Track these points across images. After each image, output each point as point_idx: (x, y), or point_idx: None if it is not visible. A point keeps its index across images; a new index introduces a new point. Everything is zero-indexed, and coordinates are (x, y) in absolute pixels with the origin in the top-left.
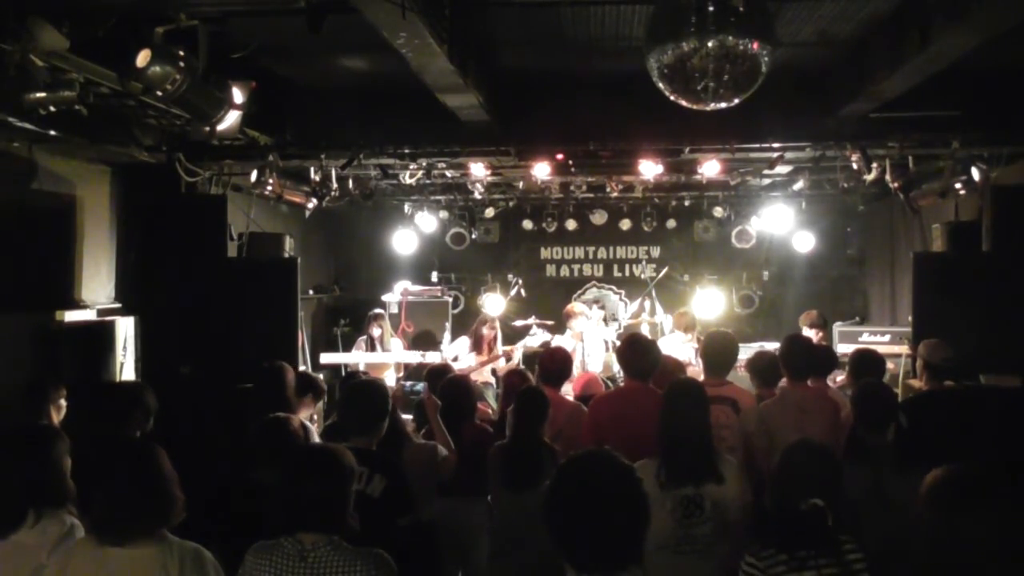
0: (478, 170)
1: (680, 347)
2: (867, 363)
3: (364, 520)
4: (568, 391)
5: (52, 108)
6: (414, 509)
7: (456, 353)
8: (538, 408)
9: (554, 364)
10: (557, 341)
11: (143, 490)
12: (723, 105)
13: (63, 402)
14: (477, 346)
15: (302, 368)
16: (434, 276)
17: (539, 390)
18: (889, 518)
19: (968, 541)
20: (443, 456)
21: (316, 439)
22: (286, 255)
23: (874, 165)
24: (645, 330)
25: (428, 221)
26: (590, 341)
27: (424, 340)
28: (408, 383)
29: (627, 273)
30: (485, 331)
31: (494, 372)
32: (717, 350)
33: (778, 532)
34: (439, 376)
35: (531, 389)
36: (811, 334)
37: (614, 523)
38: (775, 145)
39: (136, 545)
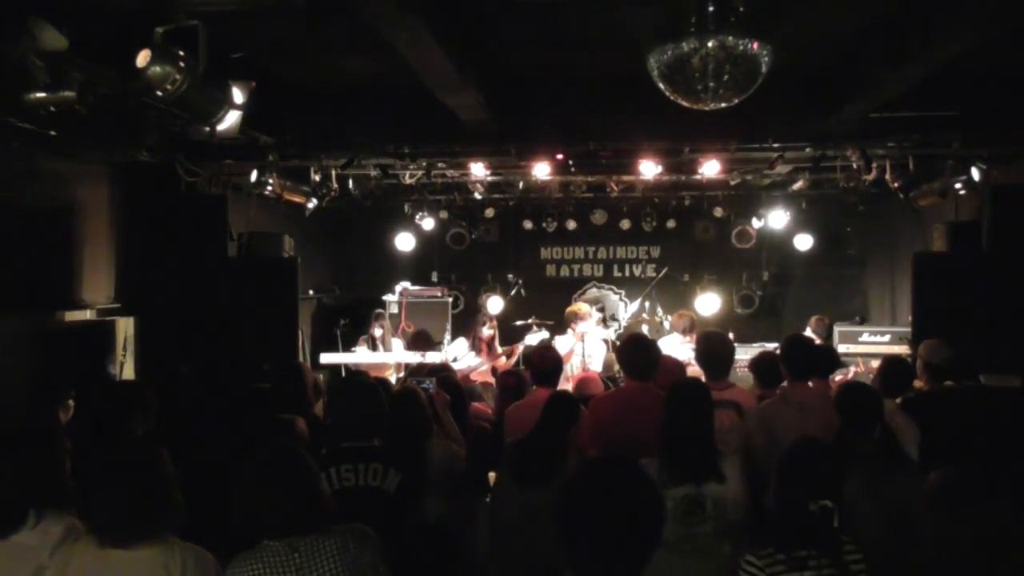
0: (478, 170)
1: (679, 347)
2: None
3: (378, 516)
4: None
5: (52, 108)
6: (422, 507)
7: (456, 353)
8: (570, 414)
9: (545, 365)
10: (558, 341)
11: (145, 493)
12: (723, 105)
13: (71, 403)
14: (476, 346)
15: None
16: (434, 276)
17: (575, 399)
18: (879, 519)
19: (964, 541)
20: (458, 454)
21: None
22: (286, 255)
23: (874, 165)
24: (645, 330)
25: (428, 221)
26: (590, 341)
27: (420, 340)
28: (416, 379)
29: (627, 273)
30: (484, 330)
31: (495, 372)
32: (713, 351)
33: (778, 531)
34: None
35: (568, 396)
36: (811, 337)
37: (632, 530)
38: (775, 145)
39: (138, 547)
